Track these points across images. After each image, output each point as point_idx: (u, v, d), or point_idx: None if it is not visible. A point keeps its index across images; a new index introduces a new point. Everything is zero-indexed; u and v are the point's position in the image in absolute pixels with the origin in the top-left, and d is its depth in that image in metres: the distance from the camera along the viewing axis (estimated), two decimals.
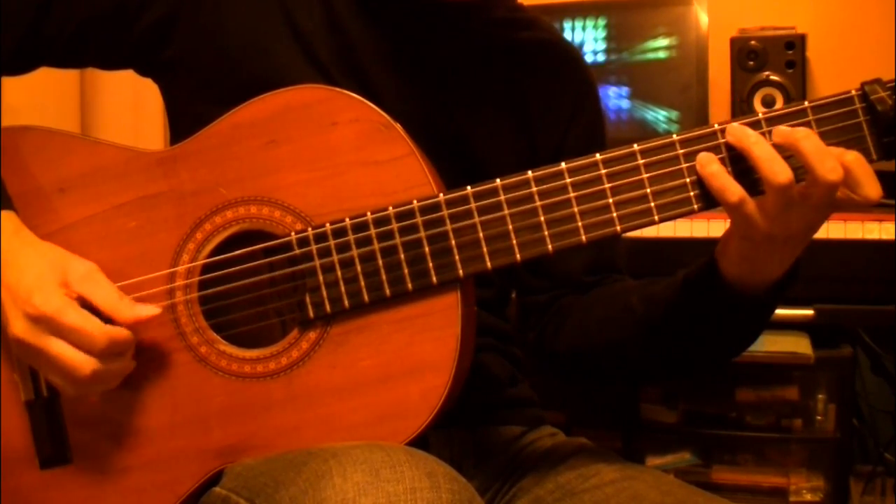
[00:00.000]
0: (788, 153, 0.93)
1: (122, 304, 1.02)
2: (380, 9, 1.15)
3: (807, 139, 0.92)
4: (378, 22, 1.15)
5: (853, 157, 0.93)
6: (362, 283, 1.00)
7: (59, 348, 0.99)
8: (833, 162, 0.91)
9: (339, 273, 1.01)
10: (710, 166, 0.95)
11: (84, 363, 0.99)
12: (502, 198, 0.98)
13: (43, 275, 1.01)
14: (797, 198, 0.93)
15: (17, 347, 1.02)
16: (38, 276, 1.01)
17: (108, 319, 1.01)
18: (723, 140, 0.96)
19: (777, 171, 0.92)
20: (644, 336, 1.12)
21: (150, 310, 1.03)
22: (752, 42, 2.12)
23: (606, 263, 1.23)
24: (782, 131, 0.94)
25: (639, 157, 0.97)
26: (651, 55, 2.19)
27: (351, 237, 1.00)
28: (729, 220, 1.00)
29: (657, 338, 1.11)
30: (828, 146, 0.93)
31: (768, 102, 2.09)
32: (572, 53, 1.27)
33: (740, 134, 0.95)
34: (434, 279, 0.99)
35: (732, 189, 0.94)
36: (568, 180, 0.97)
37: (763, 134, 0.94)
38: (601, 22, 2.22)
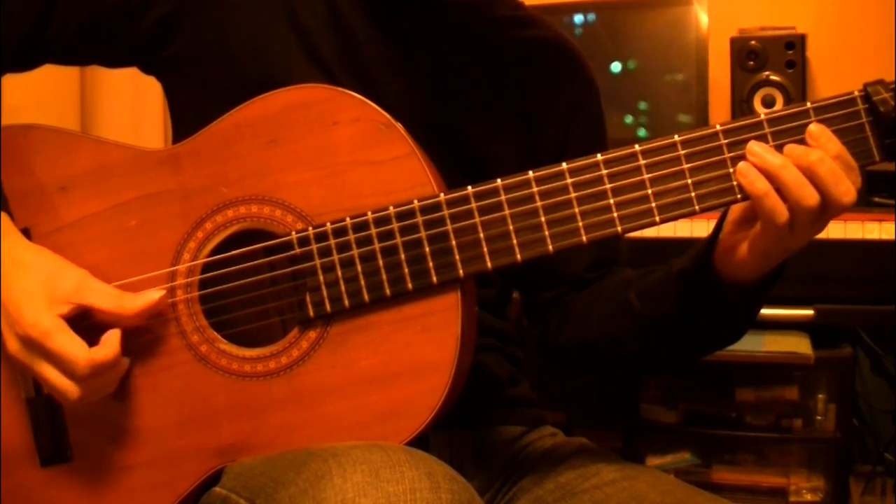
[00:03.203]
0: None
1: (125, 300, 1.02)
2: (383, 7, 1.15)
3: (821, 163, 0.93)
4: (381, 20, 1.15)
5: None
6: (362, 283, 1.00)
7: (47, 372, 1.00)
8: (847, 185, 0.93)
9: (339, 272, 1.00)
10: (760, 184, 0.94)
11: (70, 388, 1.00)
12: (503, 198, 0.98)
13: (33, 289, 1.01)
14: (816, 215, 0.94)
15: (14, 362, 1.02)
16: (28, 291, 1.00)
17: (106, 325, 1.02)
18: (725, 141, 0.96)
19: (806, 195, 0.93)
20: (642, 330, 1.13)
21: (154, 294, 1.03)
22: (752, 42, 2.12)
23: (609, 259, 1.23)
24: (796, 154, 0.94)
25: (640, 157, 0.96)
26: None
27: (351, 237, 1.00)
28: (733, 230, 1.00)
29: (654, 332, 1.12)
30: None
31: (768, 102, 2.09)
32: (573, 52, 1.27)
33: (762, 157, 0.94)
34: (434, 279, 0.99)
35: (781, 210, 0.94)
36: (569, 180, 0.97)
37: (764, 137, 0.95)
38: (601, 21, 2.22)
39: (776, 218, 0.94)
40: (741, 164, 0.95)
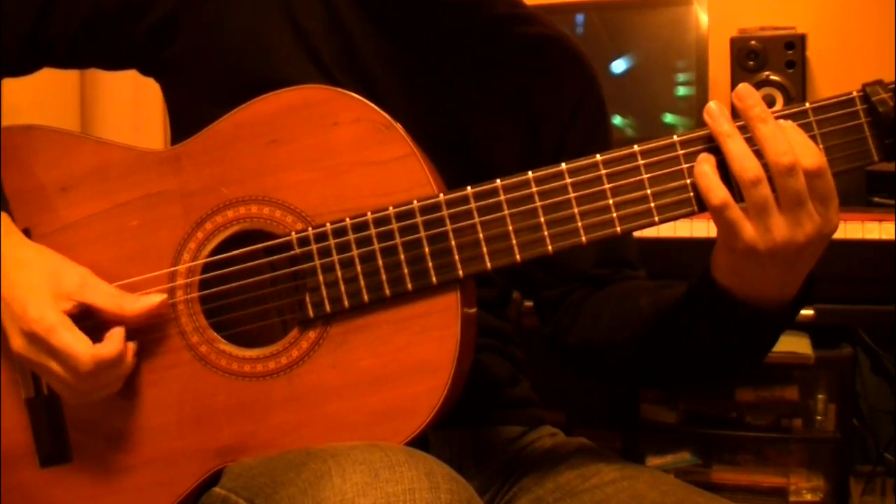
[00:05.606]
0: (747, 133, 0.92)
1: (125, 301, 1.03)
2: (381, 8, 1.15)
3: (763, 123, 0.91)
4: (380, 21, 1.15)
5: None
6: (362, 283, 1.00)
7: (53, 367, 1.00)
8: (786, 146, 0.90)
9: (339, 273, 1.00)
10: (701, 165, 0.93)
11: (72, 385, 1.00)
12: (502, 198, 0.98)
13: (36, 286, 1.01)
14: (770, 200, 0.91)
15: (20, 360, 1.03)
16: (32, 288, 1.01)
17: (109, 325, 1.02)
18: None
19: (746, 167, 0.91)
20: (650, 339, 1.11)
21: (154, 298, 1.03)
22: (752, 42, 2.12)
23: (616, 256, 1.22)
24: (744, 98, 0.92)
25: (639, 157, 0.96)
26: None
27: (351, 237, 1.00)
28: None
29: (662, 342, 1.10)
30: (827, 147, 0.93)
31: (768, 102, 2.07)
32: (574, 50, 1.27)
33: (717, 122, 0.93)
34: (434, 279, 0.99)
35: (716, 191, 0.92)
36: (568, 181, 0.97)
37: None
38: (602, 21, 2.22)
39: (709, 197, 0.92)
40: (701, 154, 0.94)
